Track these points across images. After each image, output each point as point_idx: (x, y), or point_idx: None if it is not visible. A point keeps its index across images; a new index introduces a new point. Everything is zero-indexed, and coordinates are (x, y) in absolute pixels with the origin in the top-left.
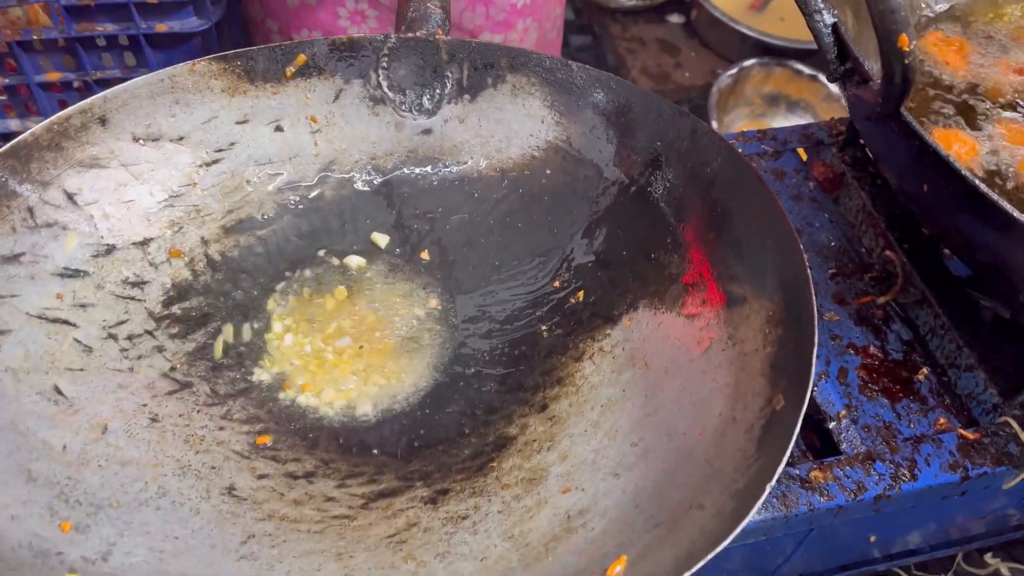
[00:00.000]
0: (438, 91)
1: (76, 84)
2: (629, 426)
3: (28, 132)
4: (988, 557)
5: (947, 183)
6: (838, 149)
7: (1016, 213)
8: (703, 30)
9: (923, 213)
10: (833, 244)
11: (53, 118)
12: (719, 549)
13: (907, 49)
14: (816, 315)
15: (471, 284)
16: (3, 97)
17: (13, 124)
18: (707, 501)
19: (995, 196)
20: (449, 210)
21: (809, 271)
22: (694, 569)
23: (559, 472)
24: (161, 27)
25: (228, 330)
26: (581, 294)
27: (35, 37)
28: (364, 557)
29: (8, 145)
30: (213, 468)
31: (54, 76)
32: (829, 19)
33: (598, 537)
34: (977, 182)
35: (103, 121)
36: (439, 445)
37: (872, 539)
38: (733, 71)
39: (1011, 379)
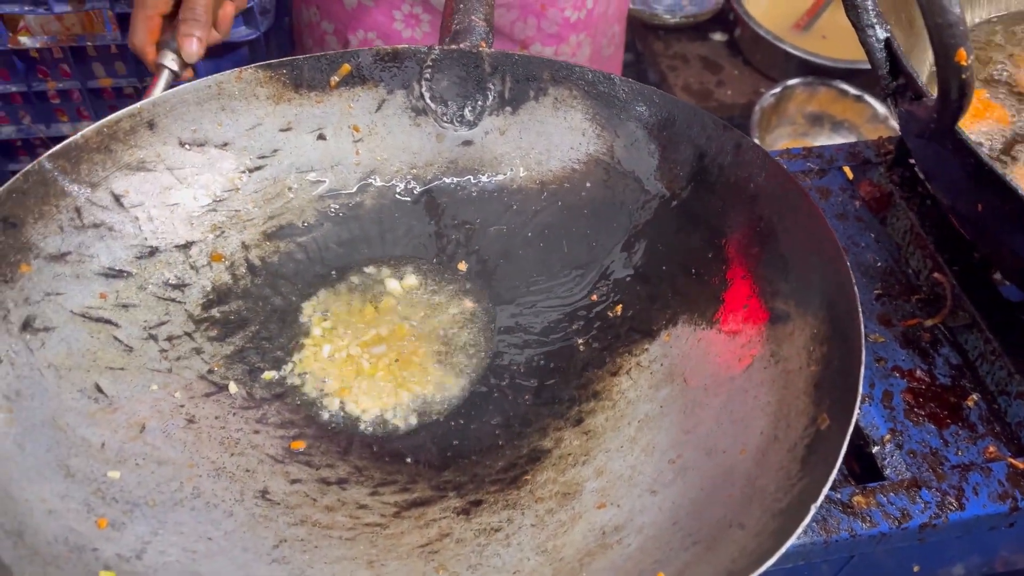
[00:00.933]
0: (480, 103)
1: (127, 90)
2: (667, 443)
3: (79, 134)
4: None
5: (1003, 203)
6: (886, 168)
7: None
8: (747, 48)
9: (977, 234)
10: (879, 264)
11: (103, 121)
12: (762, 569)
13: (965, 64)
14: (863, 333)
15: (508, 295)
16: (56, 101)
17: (65, 128)
18: (748, 520)
19: None
20: (487, 221)
21: (856, 289)
22: None
23: (594, 487)
24: None
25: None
26: (619, 308)
27: (89, 43)
28: (396, 566)
29: (59, 146)
30: (247, 471)
31: (106, 82)
32: (882, 33)
33: (634, 554)
34: None
35: (151, 125)
36: (473, 456)
37: (916, 569)
38: (776, 90)
39: None
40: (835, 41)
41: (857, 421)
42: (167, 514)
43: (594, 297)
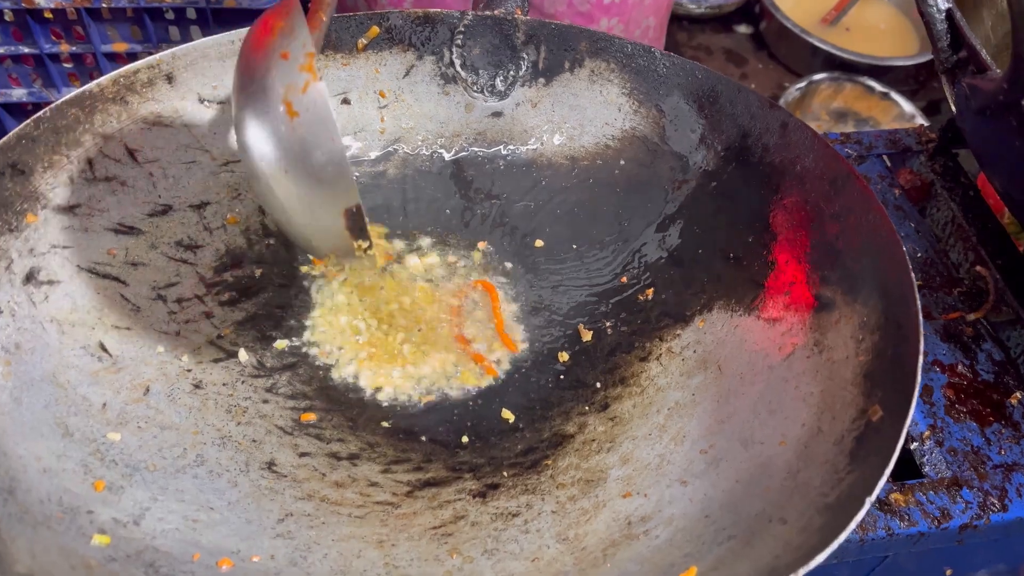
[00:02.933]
0: (512, 72)
1: (142, 56)
2: (699, 432)
3: (94, 82)
4: None
5: None
6: (927, 157)
7: None
8: (772, 41)
9: None
10: (919, 255)
11: (120, 70)
12: (811, 566)
13: None
14: (921, 319)
15: (533, 273)
16: (69, 65)
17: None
18: (790, 515)
19: None
20: (514, 196)
21: (912, 275)
22: None
23: (619, 475)
24: (229, 2)
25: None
26: (651, 292)
27: (104, 6)
28: (407, 547)
29: (73, 93)
30: (254, 441)
31: (121, 47)
32: (944, 4)
33: (663, 546)
34: None
35: (170, 79)
36: (491, 437)
37: (948, 572)
38: (802, 84)
39: None
40: (861, 36)
41: None
42: (168, 480)
43: (624, 279)
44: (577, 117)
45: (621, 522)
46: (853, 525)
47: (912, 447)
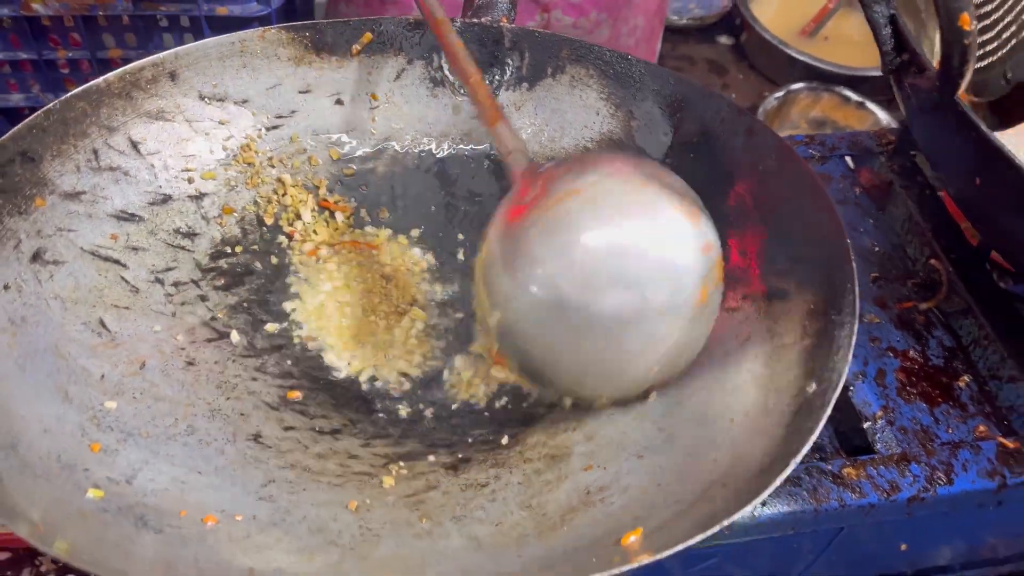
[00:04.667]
0: (497, 77)
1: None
2: (659, 411)
3: (101, 78)
4: None
5: (1002, 175)
6: (886, 158)
7: None
8: (752, 52)
9: (976, 215)
10: (877, 249)
11: (126, 67)
12: (739, 515)
13: (968, 29)
14: (858, 305)
15: None
16: (65, 71)
17: None
18: (731, 481)
19: None
20: (497, 194)
21: (853, 261)
22: (711, 531)
23: (583, 451)
24: (222, 10)
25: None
26: None
27: (101, 13)
28: (381, 512)
29: (81, 88)
30: (242, 415)
31: (116, 53)
32: (887, 10)
33: (616, 511)
34: None
35: (173, 76)
36: (466, 416)
37: (903, 547)
38: (780, 94)
39: None
40: (839, 47)
41: (850, 398)
42: (160, 446)
43: None
44: (558, 120)
45: (581, 491)
46: (778, 482)
47: (865, 426)
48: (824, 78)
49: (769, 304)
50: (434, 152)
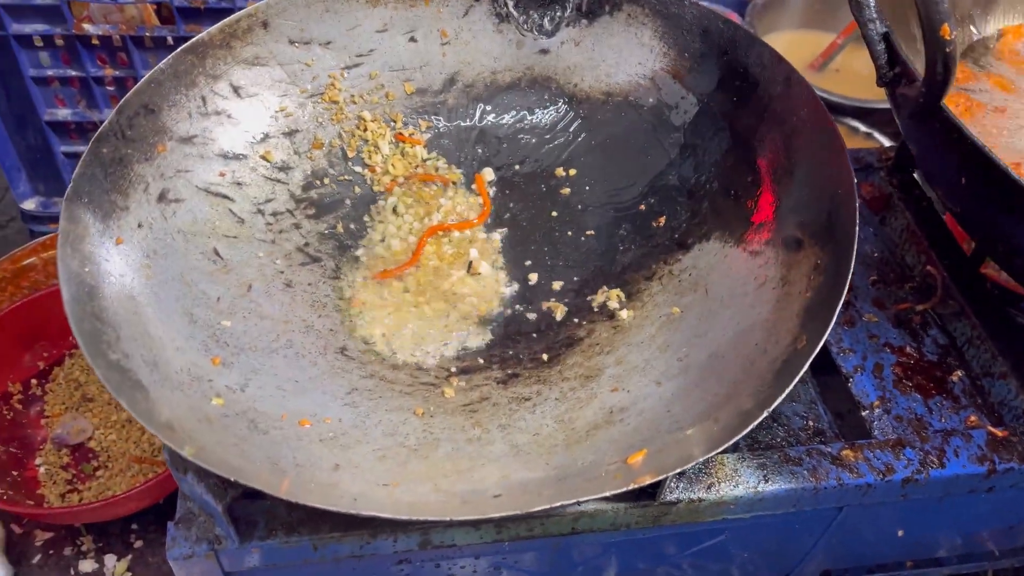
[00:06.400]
0: (559, 14)
1: None
2: (679, 342)
3: (204, 32)
4: None
5: (983, 171)
6: (886, 173)
7: None
8: None
9: (964, 218)
10: (876, 255)
11: (225, 21)
12: (712, 454)
13: (948, 38)
14: (852, 267)
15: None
16: (111, 88)
17: None
18: (721, 417)
19: None
20: (556, 126)
21: (857, 227)
22: (689, 465)
23: (612, 374)
24: None
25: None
26: (663, 219)
27: (147, 34)
28: (441, 418)
29: (188, 43)
30: (331, 331)
31: None
32: (881, 28)
33: (630, 432)
34: (1010, 168)
35: (265, 25)
36: (519, 337)
37: (900, 533)
38: None
39: None
40: (848, 81)
41: (849, 387)
42: (265, 359)
43: (642, 207)
44: (614, 56)
45: (605, 411)
46: (745, 432)
47: (863, 414)
48: (833, 109)
49: (786, 252)
50: (500, 84)
